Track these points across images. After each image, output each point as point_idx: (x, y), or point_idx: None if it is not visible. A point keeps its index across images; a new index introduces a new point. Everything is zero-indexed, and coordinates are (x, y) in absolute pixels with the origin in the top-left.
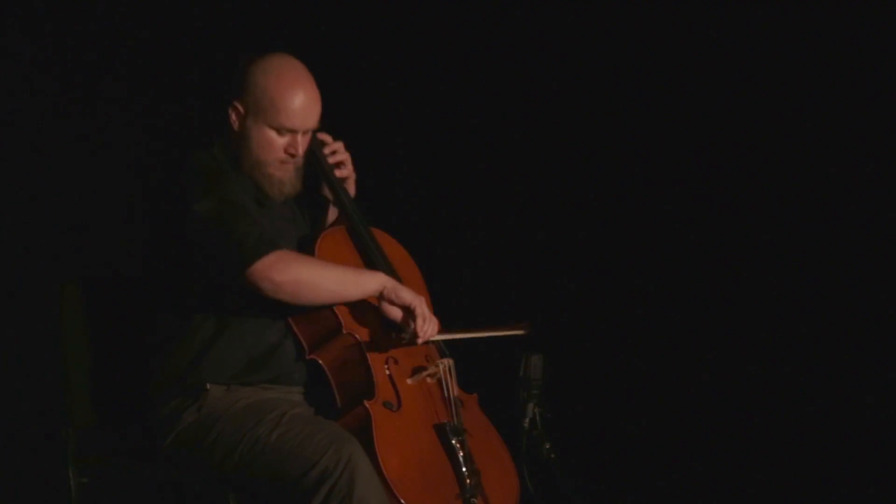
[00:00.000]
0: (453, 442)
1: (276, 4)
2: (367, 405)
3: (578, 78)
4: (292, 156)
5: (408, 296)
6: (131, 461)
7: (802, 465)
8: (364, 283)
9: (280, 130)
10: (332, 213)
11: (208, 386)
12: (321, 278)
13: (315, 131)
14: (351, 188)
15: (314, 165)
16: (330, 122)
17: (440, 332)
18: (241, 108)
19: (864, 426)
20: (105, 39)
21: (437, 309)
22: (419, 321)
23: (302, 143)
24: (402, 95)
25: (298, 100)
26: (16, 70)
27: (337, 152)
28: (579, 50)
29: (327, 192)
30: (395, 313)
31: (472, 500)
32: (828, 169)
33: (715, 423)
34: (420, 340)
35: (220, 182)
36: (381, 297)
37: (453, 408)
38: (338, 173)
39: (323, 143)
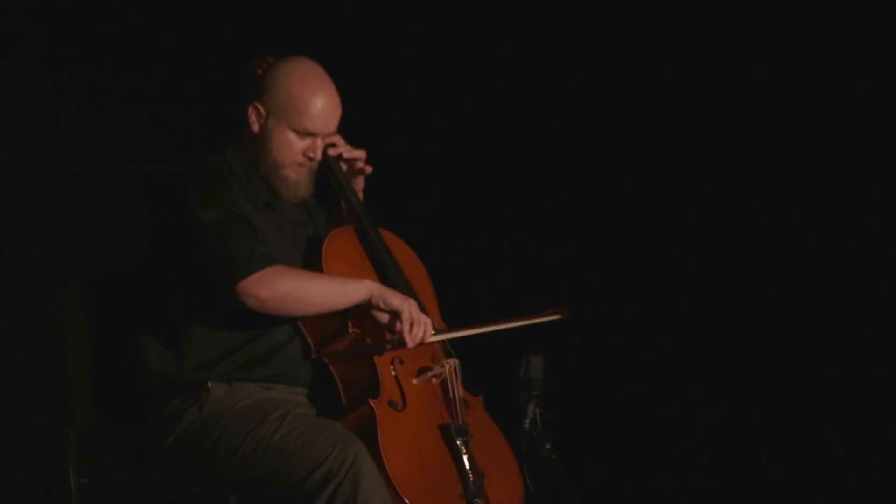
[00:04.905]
0: (457, 443)
1: (284, 6)
2: (372, 404)
3: (580, 76)
4: (310, 159)
5: (396, 300)
6: (131, 461)
7: (802, 466)
8: (350, 293)
9: (301, 133)
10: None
11: (209, 384)
12: (305, 292)
13: None
14: (360, 182)
15: (322, 168)
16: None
17: (442, 331)
18: (262, 110)
19: (863, 426)
20: (107, 38)
21: (442, 308)
22: (405, 326)
23: (320, 148)
24: (408, 95)
25: (322, 104)
26: (17, 69)
27: (351, 151)
28: (588, 47)
29: (336, 193)
30: (384, 318)
31: (476, 500)
32: (828, 169)
33: (715, 423)
34: (410, 344)
35: (225, 191)
36: (370, 304)
37: (458, 408)
38: (357, 168)
39: (332, 144)
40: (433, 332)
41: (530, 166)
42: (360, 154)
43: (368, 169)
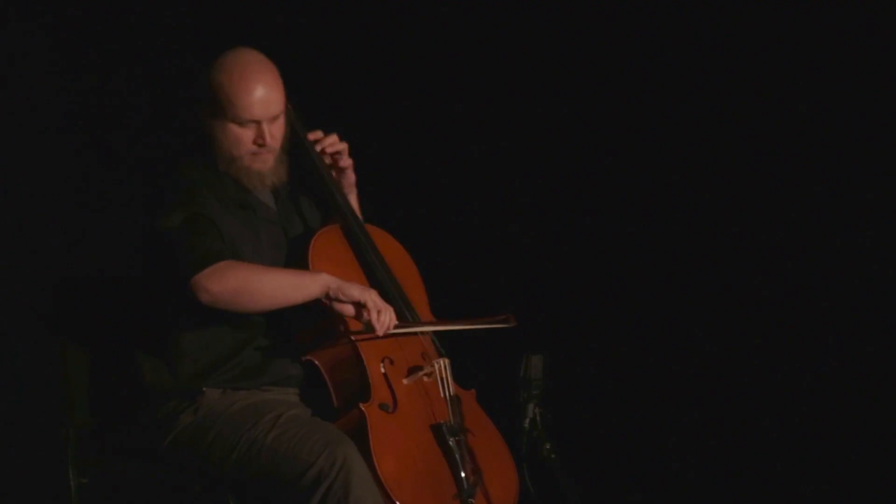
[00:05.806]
0: (450, 442)
1: (273, 5)
2: (363, 408)
3: (570, 74)
4: (261, 146)
5: (356, 291)
6: (131, 461)
7: (802, 466)
8: (305, 287)
9: (242, 123)
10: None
11: (204, 389)
12: (257, 285)
13: (307, 131)
14: (350, 177)
15: (307, 165)
16: (327, 119)
17: (408, 324)
18: (204, 109)
19: (863, 426)
20: (105, 40)
21: (437, 306)
22: (373, 314)
23: (269, 132)
24: (395, 91)
25: (253, 90)
26: (16, 71)
27: (333, 144)
28: (569, 45)
29: (321, 191)
30: (349, 310)
31: (470, 500)
32: (828, 169)
33: (715, 423)
34: (379, 332)
35: (193, 194)
36: (327, 297)
37: (450, 407)
38: (340, 163)
39: (315, 142)
40: (398, 322)
41: (521, 164)
42: (342, 147)
43: (348, 161)
